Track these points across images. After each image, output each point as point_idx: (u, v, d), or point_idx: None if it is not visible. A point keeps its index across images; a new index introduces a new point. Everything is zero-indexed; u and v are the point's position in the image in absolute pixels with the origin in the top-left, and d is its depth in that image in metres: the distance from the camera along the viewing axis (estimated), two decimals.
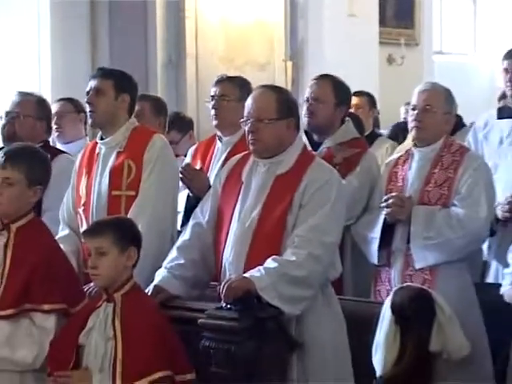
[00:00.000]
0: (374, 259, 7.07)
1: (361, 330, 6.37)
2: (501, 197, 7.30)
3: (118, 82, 7.02)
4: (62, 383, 5.32)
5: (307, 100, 7.66)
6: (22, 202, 5.78)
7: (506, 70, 8.49)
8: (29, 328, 5.56)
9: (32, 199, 5.84)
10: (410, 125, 7.23)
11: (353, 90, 9.32)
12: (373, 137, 9.86)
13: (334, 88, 7.73)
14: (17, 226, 5.77)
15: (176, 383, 5.38)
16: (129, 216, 6.70)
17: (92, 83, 7.07)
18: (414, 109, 7.12)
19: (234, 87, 7.81)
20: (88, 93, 7.09)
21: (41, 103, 8.26)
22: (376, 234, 6.97)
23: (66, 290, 5.55)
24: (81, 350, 5.36)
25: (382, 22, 15.51)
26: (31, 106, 8.15)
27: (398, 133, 10.64)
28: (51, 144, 8.22)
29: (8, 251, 5.70)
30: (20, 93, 8.35)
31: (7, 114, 8.10)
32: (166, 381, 5.30)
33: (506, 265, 6.65)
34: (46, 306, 5.55)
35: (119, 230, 5.52)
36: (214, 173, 7.28)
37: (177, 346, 5.48)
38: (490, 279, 7.50)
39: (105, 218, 6.44)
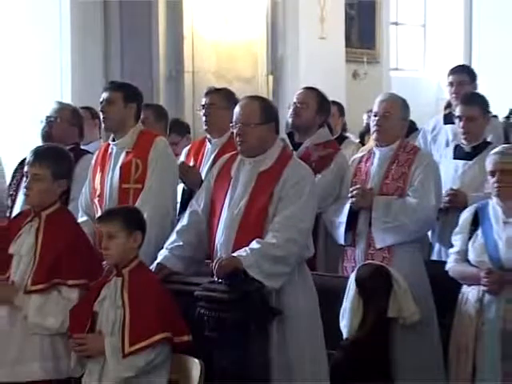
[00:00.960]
0: (342, 241, 7.13)
1: (330, 300, 6.42)
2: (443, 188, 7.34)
3: (126, 93, 7.03)
4: (80, 344, 5.34)
5: (294, 104, 7.74)
6: (49, 194, 5.80)
7: (451, 84, 8.64)
8: (57, 299, 5.59)
9: (57, 191, 5.86)
10: (372, 129, 7.31)
11: None
12: (341, 139, 9.93)
13: (317, 98, 7.81)
14: (46, 213, 5.79)
15: (174, 344, 5.39)
16: (136, 205, 6.71)
17: (104, 95, 7.08)
18: (375, 115, 7.18)
19: (220, 97, 7.83)
20: (101, 103, 7.10)
21: (75, 112, 8.28)
22: (343, 219, 7.03)
23: (87, 267, 5.58)
24: (95, 317, 5.38)
25: (348, 43, 15.47)
26: (67, 114, 8.14)
27: (364, 135, 10.80)
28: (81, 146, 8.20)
29: (39, 235, 5.71)
30: (59, 102, 8.42)
31: (47, 118, 8.07)
32: (166, 342, 5.34)
33: (451, 245, 6.68)
34: (71, 281, 5.58)
35: (127, 217, 5.55)
36: (205, 169, 7.34)
37: (175, 313, 5.50)
38: (433, 257, 7.53)
39: (115, 206, 6.50)
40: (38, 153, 5.98)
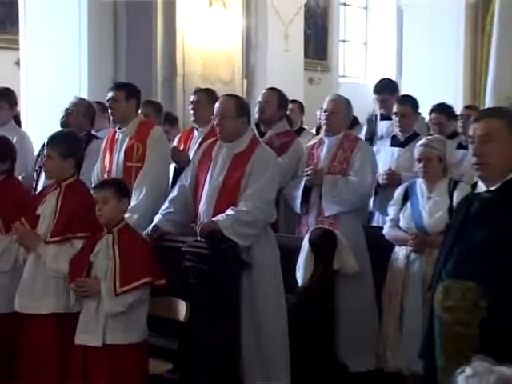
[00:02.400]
0: (298, 210, 7.11)
1: (289, 256, 6.40)
2: (381, 170, 7.35)
3: (127, 91, 7.01)
4: (80, 286, 5.33)
5: (259, 102, 7.71)
6: (61, 170, 5.78)
7: (377, 100, 8.68)
8: (69, 250, 5.58)
9: (68, 167, 5.81)
10: (322, 122, 7.31)
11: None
12: (300, 130, 9.95)
13: (278, 96, 7.77)
14: (65, 183, 5.77)
15: (154, 285, 5.38)
16: (137, 180, 6.79)
17: (110, 94, 7.06)
18: (325, 111, 7.17)
19: (205, 96, 7.80)
20: (108, 100, 7.10)
21: (89, 106, 8.23)
22: (299, 193, 7.02)
23: (93, 224, 5.54)
24: (90, 266, 5.36)
25: (306, 55, 15.41)
26: (82, 107, 8.10)
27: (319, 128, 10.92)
28: (93, 132, 8.17)
29: (59, 201, 5.71)
30: (76, 97, 8.39)
31: (66, 110, 8.06)
32: (148, 284, 5.35)
33: (387, 214, 6.70)
34: (79, 234, 5.59)
35: (117, 187, 5.52)
36: (193, 152, 7.28)
37: (155, 262, 5.47)
38: (374, 223, 7.54)
39: (108, 178, 6.55)
40: (50, 138, 5.99)
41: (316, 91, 15.22)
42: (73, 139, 6.12)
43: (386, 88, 8.82)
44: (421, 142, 6.56)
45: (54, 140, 5.93)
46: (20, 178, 6.89)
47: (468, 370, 1.98)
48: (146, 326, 5.47)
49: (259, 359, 6.10)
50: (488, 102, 6.59)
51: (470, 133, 4.43)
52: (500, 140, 4.30)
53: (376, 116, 8.82)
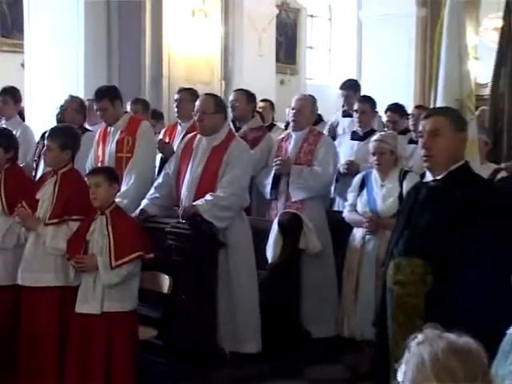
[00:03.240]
0: (268, 196, 7.09)
1: (260, 236, 6.42)
2: (342, 161, 7.35)
3: (110, 96, 6.93)
4: (79, 263, 5.33)
5: (230, 102, 7.68)
6: (60, 159, 5.75)
7: (342, 95, 8.71)
8: (65, 230, 5.56)
9: (66, 157, 5.78)
10: (290, 119, 7.30)
11: (260, 98, 9.54)
12: (272, 126, 9.93)
13: (246, 95, 7.74)
14: (61, 171, 5.75)
15: (145, 259, 5.39)
16: (127, 169, 6.76)
17: (96, 105, 7.09)
18: (293, 109, 7.15)
19: (188, 95, 7.78)
20: (97, 110, 7.10)
21: (81, 103, 8.20)
22: (269, 181, 7.00)
23: (85, 208, 5.53)
24: (87, 244, 5.35)
25: (277, 60, 15.45)
26: (76, 104, 8.08)
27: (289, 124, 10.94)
28: (85, 126, 8.14)
29: (56, 187, 5.68)
30: (70, 95, 8.32)
31: (61, 106, 8.04)
32: (140, 258, 5.36)
33: (346, 200, 6.74)
34: (75, 217, 5.57)
35: (108, 173, 5.52)
36: (176, 144, 7.24)
37: (145, 238, 5.48)
38: (335, 208, 7.55)
39: (100, 166, 6.51)
40: (51, 131, 5.99)
41: (286, 92, 15.22)
42: (71, 133, 6.08)
43: (350, 86, 9.00)
44: (375, 137, 6.59)
45: (54, 133, 5.91)
46: (21, 165, 6.84)
47: (420, 337, 1.99)
48: (137, 297, 5.47)
49: (233, 326, 6.13)
50: (439, 103, 6.57)
51: (420, 128, 4.47)
52: (446, 135, 4.33)
53: (336, 125, 8.86)
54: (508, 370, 3.37)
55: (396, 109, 8.66)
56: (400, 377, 1.95)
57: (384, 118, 8.68)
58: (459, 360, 1.91)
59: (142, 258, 5.38)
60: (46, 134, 6.01)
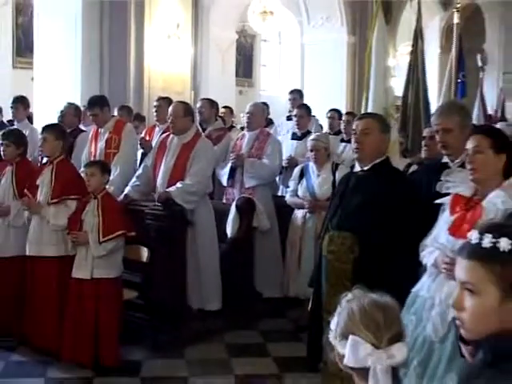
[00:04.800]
0: (225, 183, 7.02)
1: (221, 216, 6.38)
2: (284, 157, 7.31)
3: (100, 104, 6.89)
4: (75, 236, 5.27)
5: (198, 108, 7.57)
6: (54, 148, 5.67)
7: (290, 99, 8.61)
8: (64, 208, 5.49)
9: (59, 146, 5.70)
10: (244, 121, 7.22)
11: (222, 105, 9.49)
12: (231, 127, 9.85)
13: (210, 102, 7.70)
14: (56, 161, 5.67)
15: (127, 236, 5.34)
16: (113, 161, 6.69)
17: (89, 112, 7.05)
18: (247, 113, 7.07)
19: (164, 102, 7.72)
20: (90, 115, 7.05)
21: (77, 108, 8.14)
22: (227, 171, 6.92)
23: (81, 189, 5.47)
24: (82, 222, 5.29)
25: (237, 75, 15.49)
26: (72, 110, 8.02)
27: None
28: (81, 127, 8.13)
29: (53, 173, 5.60)
30: (68, 102, 8.25)
31: (60, 111, 7.97)
32: (123, 235, 5.30)
33: (288, 187, 6.72)
34: (72, 196, 5.51)
35: (101, 165, 5.46)
36: (154, 141, 7.12)
37: (128, 219, 5.43)
38: (279, 194, 7.47)
39: (95, 160, 6.42)
40: (45, 126, 5.92)
41: (244, 101, 15.12)
42: (61, 127, 6.10)
43: (297, 92, 8.98)
44: (312, 136, 6.61)
45: (48, 127, 5.85)
46: (29, 159, 6.75)
47: (349, 295, 1.99)
48: (122, 265, 5.42)
49: (199, 288, 6.10)
50: (370, 110, 6.69)
51: (354, 127, 4.51)
52: (374, 134, 4.36)
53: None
54: (409, 319, 3.40)
55: (336, 112, 8.90)
56: (333, 326, 1.95)
57: (321, 122, 8.75)
58: (381, 311, 1.92)
59: (124, 235, 5.32)
60: (42, 130, 5.96)
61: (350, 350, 1.87)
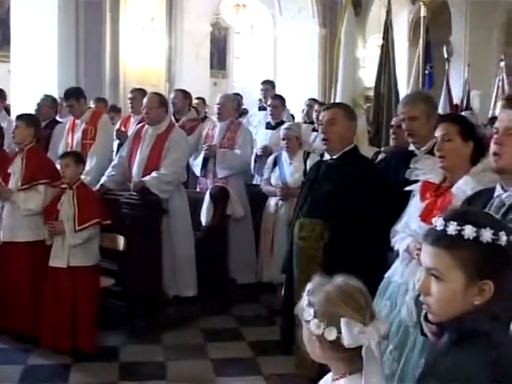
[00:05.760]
0: (198, 173, 6.94)
1: (195, 204, 6.35)
2: (259, 145, 7.29)
3: (76, 96, 6.83)
4: (52, 226, 5.22)
5: (171, 99, 7.50)
6: (25, 136, 5.61)
7: (262, 90, 8.57)
8: (34, 193, 5.45)
9: (30, 133, 5.63)
10: (216, 112, 7.09)
11: (195, 97, 9.44)
12: (205, 118, 9.73)
13: (183, 93, 7.64)
14: (27, 148, 5.61)
15: (102, 225, 5.30)
16: (90, 152, 6.65)
17: (65, 103, 7.00)
18: (218, 104, 6.95)
19: (139, 94, 7.62)
20: (66, 106, 7.01)
21: (53, 100, 8.03)
22: (199, 162, 6.84)
23: (51, 174, 5.44)
24: (58, 213, 5.23)
25: (211, 66, 15.43)
26: (49, 102, 7.90)
27: None
28: (57, 119, 8.03)
29: (23, 161, 5.54)
30: (44, 94, 8.12)
31: (37, 104, 7.86)
32: (98, 223, 5.26)
33: (262, 175, 6.70)
34: (42, 181, 5.47)
35: (75, 156, 5.39)
36: (130, 132, 7.07)
37: (103, 208, 5.38)
38: (254, 182, 7.42)
39: (70, 150, 6.32)
40: (19, 115, 5.89)
41: (218, 92, 14.91)
42: (33, 116, 6.07)
43: (269, 82, 8.94)
44: (284, 126, 6.60)
45: (21, 116, 5.81)
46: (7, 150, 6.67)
47: (323, 280, 1.95)
48: (98, 253, 5.37)
49: (175, 275, 6.09)
50: (338, 99, 6.71)
51: (320, 118, 4.50)
52: (340, 123, 4.36)
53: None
54: (383, 305, 3.41)
55: (314, 101, 8.76)
56: (308, 316, 1.89)
57: (292, 112, 8.72)
58: (357, 291, 1.92)
59: (100, 223, 5.27)
60: (15, 119, 5.93)
61: (347, 332, 1.83)
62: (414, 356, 3.17)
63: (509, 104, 2.60)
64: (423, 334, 2.31)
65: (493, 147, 2.53)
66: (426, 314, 2.08)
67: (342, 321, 1.84)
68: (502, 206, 2.49)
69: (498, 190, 2.56)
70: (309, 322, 1.89)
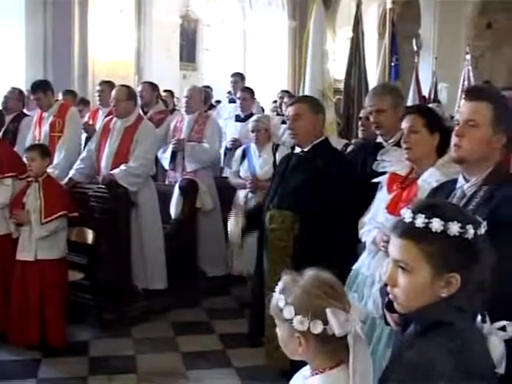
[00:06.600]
0: (167, 167, 6.90)
1: (164, 197, 6.33)
2: (228, 138, 7.35)
3: (43, 88, 6.75)
4: (16, 216, 5.19)
5: (139, 92, 7.37)
6: None
7: (231, 82, 8.58)
8: (1, 186, 5.41)
9: None
10: (183, 105, 7.05)
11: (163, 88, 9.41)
12: (173, 110, 9.70)
13: (151, 85, 7.60)
14: None
15: (70, 217, 5.26)
16: (58, 145, 6.59)
17: (32, 96, 6.90)
18: (185, 97, 6.88)
19: (107, 86, 7.51)
20: (34, 99, 6.90)
21: (20, 93, 7.86)
22: (168, 155, 6.78)
23: (18, 167, 5.40)
24: (24, 205, 5.17)
25: (181, 59, 15.35)
26: (16, 95, 7.73)
27: None
28: (25, 112, 7.86)
29: None
30: (12, 87, 7.96)
31: (4, 97, 7.66)
32: (64, 216, 5.21)
33: (231, 167, 6.69)
34: (7, 174, 5.41)
35: (41, 149, 5.31)
36: (98, 125, 7.00)
37: (70, 200, 5.35)
38: (224, 175, 7.39)
39: (34, 143, 6.26)
40: None
41: (188, 84, 14.79)
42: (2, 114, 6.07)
43: (238, 74, 8.91)
44: (253, 118, 6.58)
45: None
46: None
47: (279, 284, 1.93)
48: (66, 247, 5.31)
49: (144, 268, 6.07)
50: (307, 92, 6.71)
51: (286, 113, 4.48)
52: (305, 117, 4.36)
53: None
54: (351, 297, 3.41)
55: (286, 92, 8.99)
56: (289, 314, 1.86)
57: (262, 104, 8.72)
58: (333, 280, 1.91)
59: (66, 216, 5.23)
60: None
61: (335, 321, 1.81)
62: (380, 348, 3.18)
63: (468, 96, 2.61)
64: (387, 323, 2.33)
65: (453, 139, 2.55)
66: (387, 304, 2.09)
67: (328, 311, 1.82)
68: (463, 196, 2.51)
69: (460, 181, 2.58)
70: (291, 320, 1.85)
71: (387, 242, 3.13)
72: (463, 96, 2.63)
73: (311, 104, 4.46)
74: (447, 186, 2.63)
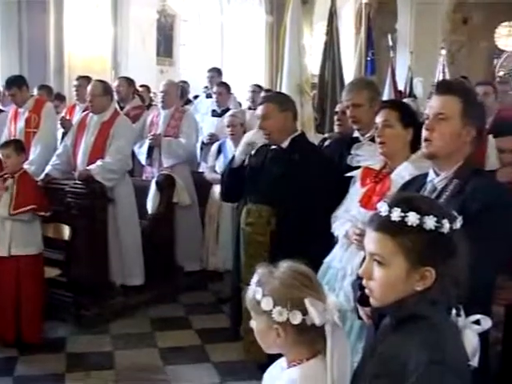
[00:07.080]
0: (144, 162, 6.87)
1: (140, 193, 6.29)
2: (205, 133, 7.32)
3: (18, 84, 6.67)
4: None
5: (115, 87, 7.28)
6: None
7: (208, 77, 8.55)
8: None
9: None
10: (159, 100, 7.03)
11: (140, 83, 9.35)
12: (150, 105, 9.65)
13: (127, 81, 7.53)
14: None
15: (41, 215, 5.23)
16: (33, 141, 6.54)
17: (7, 92, 6.84)
18: (161, 92, 6.84)
19: (84, 81, 7.45)
20: (9, 95, 6.84)
21: None
22: (145, 150, 6.76)
23: None
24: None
25: (158, 54, 15.34)
26: None
27: None
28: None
29: None
30: None
31: None
32: (33, 211, 5.14)
33: (207, 161, 6.67)
34: None
35: (15, 145, 5.27)
36: (75, 120, 6.93)
37: (43, 199, 5.29)
38: (200, 170, 7.32)
39: (9, 139, 6.11)
40: None
41: (165, 79, 14.95)
42: None
43: (215, 69, 8.85)
44: (229, 113, 6.57)
45: None
46: None
47: (255, 277, 1.93)
48: (42, 243, 5.27)
49: (122, 264, 6.05)
50: (284, 86, 6.68)
51: (256, 112, 4.48)
52: (274, 117, 4.36)
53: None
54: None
55: (257, 87, 8.63)
56: (268, 306, 1.86)
57: (239, 99, 8.68)
58: (309, 271, 1.91)
59: (35, 210, 5.15)
60: None
61: (314, 311, 1.81)
62: (350, 341, 3.19)
63: (438, 91, 2.63)
64: (359, 317, 2.33)
65: (424, 133, 2.56)
66: (360, 298, 2.10)
67: (307, 301, 1.82)
68: (434, 190, 2.53)
69: (431, 175, 2.59)
70: (269, 311, 1.85)
71: (360, 235, 3.15)
72: (433, 90, 2.64)
73: (277, 103, 4.42)
74: (418, 180, 2.65)
